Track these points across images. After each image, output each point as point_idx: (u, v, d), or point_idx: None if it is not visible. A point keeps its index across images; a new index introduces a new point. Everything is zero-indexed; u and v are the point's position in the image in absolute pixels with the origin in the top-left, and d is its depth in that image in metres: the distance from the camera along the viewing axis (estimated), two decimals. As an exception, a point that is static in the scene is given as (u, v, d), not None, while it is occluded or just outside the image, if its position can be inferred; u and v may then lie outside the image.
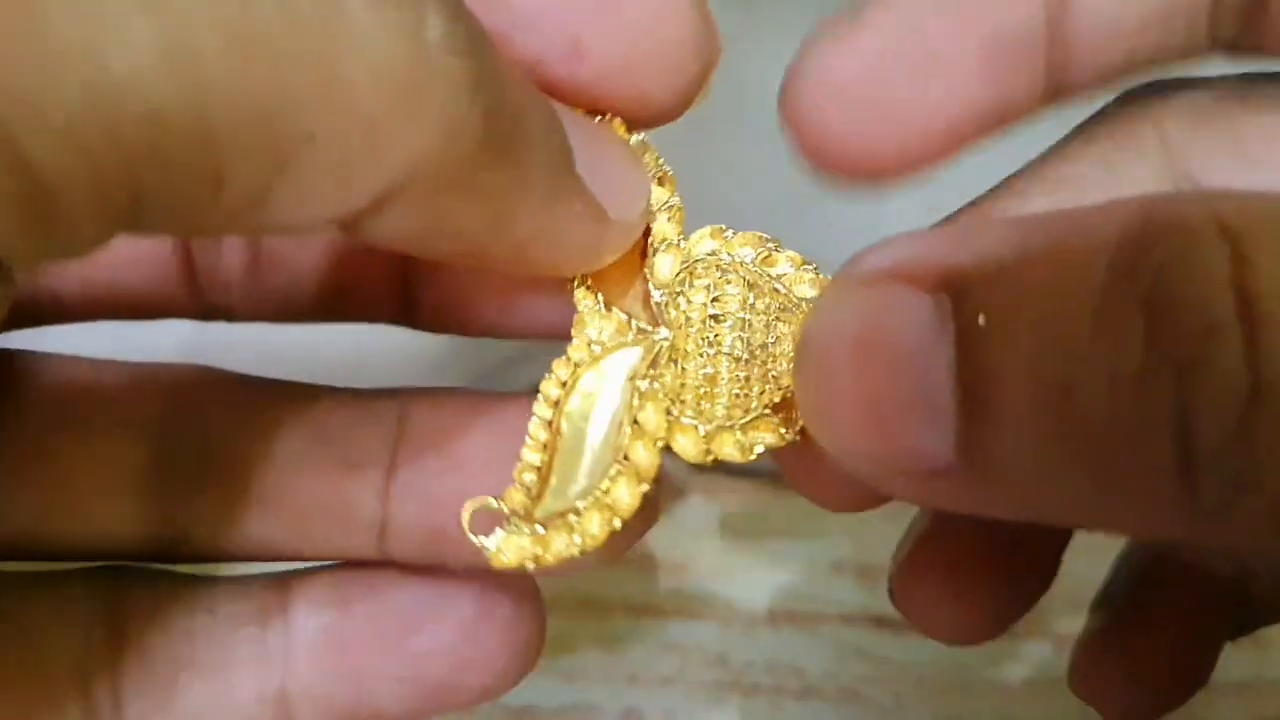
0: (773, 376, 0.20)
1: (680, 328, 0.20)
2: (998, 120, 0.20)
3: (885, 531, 0.36)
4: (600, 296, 0.20)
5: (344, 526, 0.21)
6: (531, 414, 0.20)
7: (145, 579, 0.22)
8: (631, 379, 0.20)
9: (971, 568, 0.24)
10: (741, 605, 0.35)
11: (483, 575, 0.21)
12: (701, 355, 0.20)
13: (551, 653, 0.33)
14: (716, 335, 0.20)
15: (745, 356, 0.20)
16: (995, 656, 0.34)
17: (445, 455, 0.21)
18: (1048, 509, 0.16)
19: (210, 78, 0.13)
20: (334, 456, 0.21)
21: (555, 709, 0.32)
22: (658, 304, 0.20)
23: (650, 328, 0.20)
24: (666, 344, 0.20)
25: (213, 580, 0.22)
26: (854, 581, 0.35)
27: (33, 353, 0.22)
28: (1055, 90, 0.20)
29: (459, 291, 0.22)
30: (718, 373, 0.20)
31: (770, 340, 0.20)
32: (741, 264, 0.20)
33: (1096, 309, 0.14)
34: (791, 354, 0.20)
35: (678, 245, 0.21)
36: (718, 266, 0.20)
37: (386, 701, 0.22)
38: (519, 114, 0.16)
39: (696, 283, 0.20)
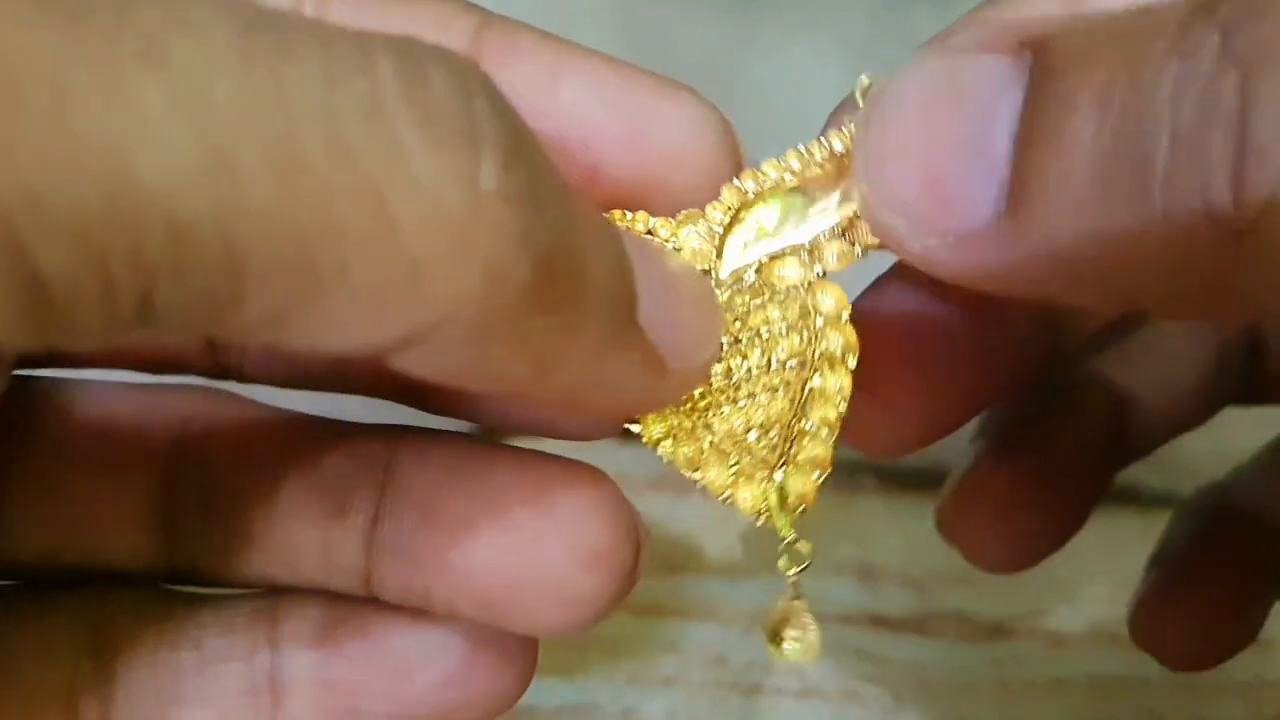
0: (708, 424, 0.20)
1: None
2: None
3: (886, 532, 0.37)
4: (688, 231, 0.20)
5: (330, 571, 0.21)
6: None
7: (131, 609, 0.21)
8: None
9: (1017, 497, 0.26)
10: (741, 605, 0.35)
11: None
12: None
13: (551, 653, 0.33)
14: (736, 352, 0.20)
15: (720, 384, 0.20)
16: (995, 656, 0.34)
17: (424, 513, 0.20)
18: (1084, 269, 0.16)
19: (245, 198, 0.13)
20: (323, 501, 0.21)
21: (555, 709, 0.32)
22: (719, 281, 0.20)
23: None
24: None
25: (199, 611, 0.22)
26: (854, 581, 0.35)
27: (45, 377, 0.21)
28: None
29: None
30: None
31: (747, 396, 0.20)
32: (809, 319, 0.20)
33: (1175, 33, 0.15)
34: (747, 431, 0.20)
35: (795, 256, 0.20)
36: (799, 309, 0.20)
37: None
38: (577, 261, 0.16)
39: (762, 299, 0.20)
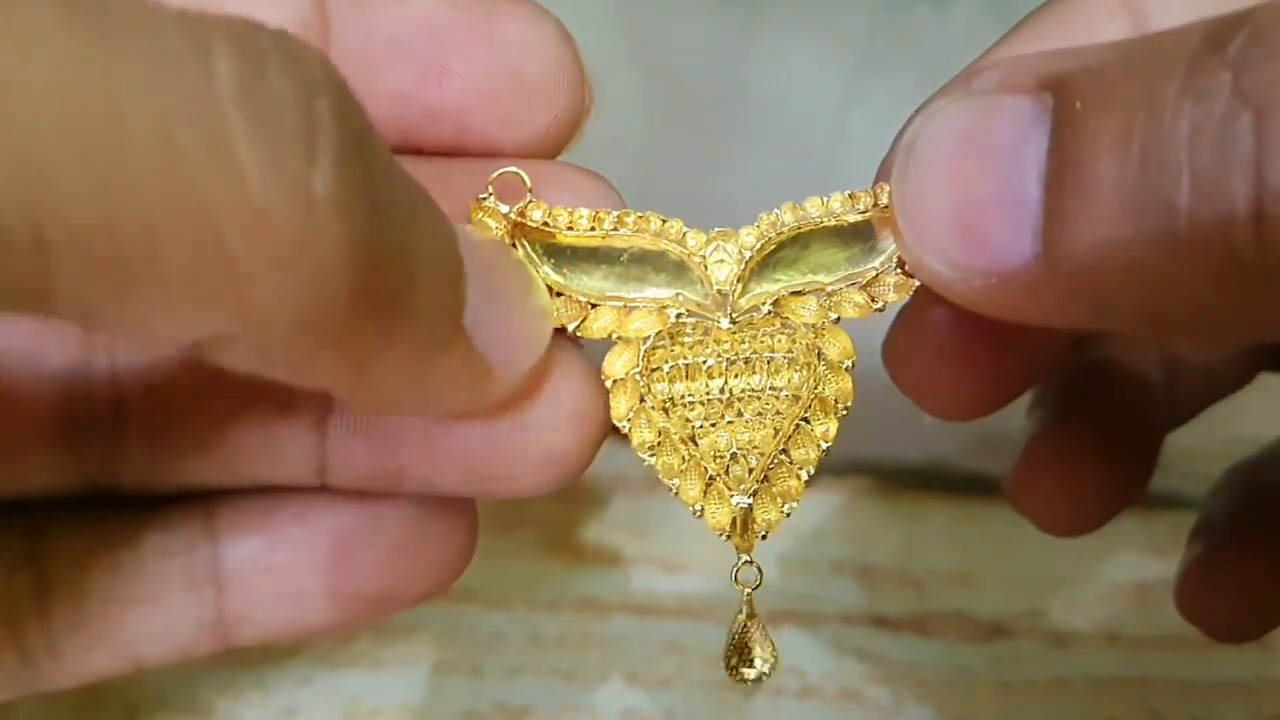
0: (694, 437, 0.20)
1: (725, 336, 0.20)
2: None
3: (885, 531, 0.37)
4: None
5: (276, 466, 0.21)
6: None
7: (64, 517, 0.21)
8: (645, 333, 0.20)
9: (1080, 460, 0.26)
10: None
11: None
12: (704, 360, 0.20)
13: (551, 653, 0.33)
14: (737, 369, 0.20)
15: (719, 398, 0.20)
16: (995, 656, 0.34)
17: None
18: (1118, 305, 0.17)
19: (56, 198, 0.12)
20: (264, 400, 0.21)
21: (555, 709, 0.32)
22: (735, 305, 0.20)
23: (712, 315, 0.20)
24: (697, 327, 0.20)
25: (133, 512, 0.22)
26: (854, 581, 0.35)
27: None
28: None
29: None
30: (689, 388, 0.20)
31: (736, 415, 0.20)
32: (813, 360, 0.20)
33: (1186, 73, 0.15)
34: (729, 450, 0.20)
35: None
36: (806, 347, 0.20)
37: (324, 616, 0.22)
38: (408, 267, 0.16)
39: (774, 328, 0.20)
